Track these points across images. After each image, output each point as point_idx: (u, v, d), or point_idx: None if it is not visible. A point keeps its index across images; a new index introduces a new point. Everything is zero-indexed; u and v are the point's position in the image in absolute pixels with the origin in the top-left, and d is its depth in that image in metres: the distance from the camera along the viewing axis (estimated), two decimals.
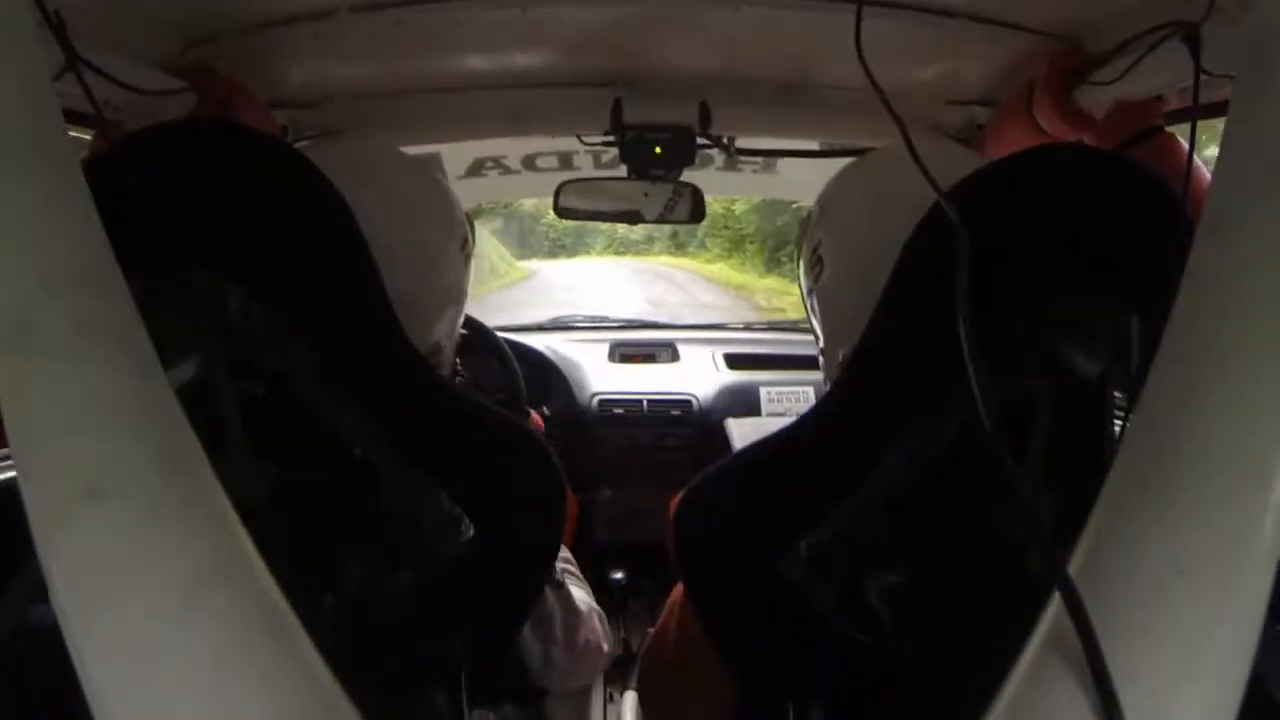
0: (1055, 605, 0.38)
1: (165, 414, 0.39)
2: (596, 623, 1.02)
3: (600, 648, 1.02)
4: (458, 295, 0.86)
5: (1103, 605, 0.36)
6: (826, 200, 0.83)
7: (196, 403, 0.58)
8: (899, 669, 0.62)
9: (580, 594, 1.02)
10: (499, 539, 0.69)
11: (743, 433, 1.92)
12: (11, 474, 0.37)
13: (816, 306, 0.83)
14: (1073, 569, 0.38)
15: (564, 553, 1.11)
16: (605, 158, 1.71)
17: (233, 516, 0.39)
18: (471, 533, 0.67)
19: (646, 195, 1.46)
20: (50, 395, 0.37)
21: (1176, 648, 0.35)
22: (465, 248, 0.86)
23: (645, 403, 2.05)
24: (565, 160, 1.81)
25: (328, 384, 0.64)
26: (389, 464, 0.65)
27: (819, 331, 0.84)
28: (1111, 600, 0.36)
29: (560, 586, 0.94)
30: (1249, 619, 0.36)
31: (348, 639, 0.60)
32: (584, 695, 1.66)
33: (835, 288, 0.78)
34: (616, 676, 1.67)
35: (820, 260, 0.80)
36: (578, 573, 1.16)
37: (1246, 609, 0.36)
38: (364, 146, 0.84)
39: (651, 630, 1.45)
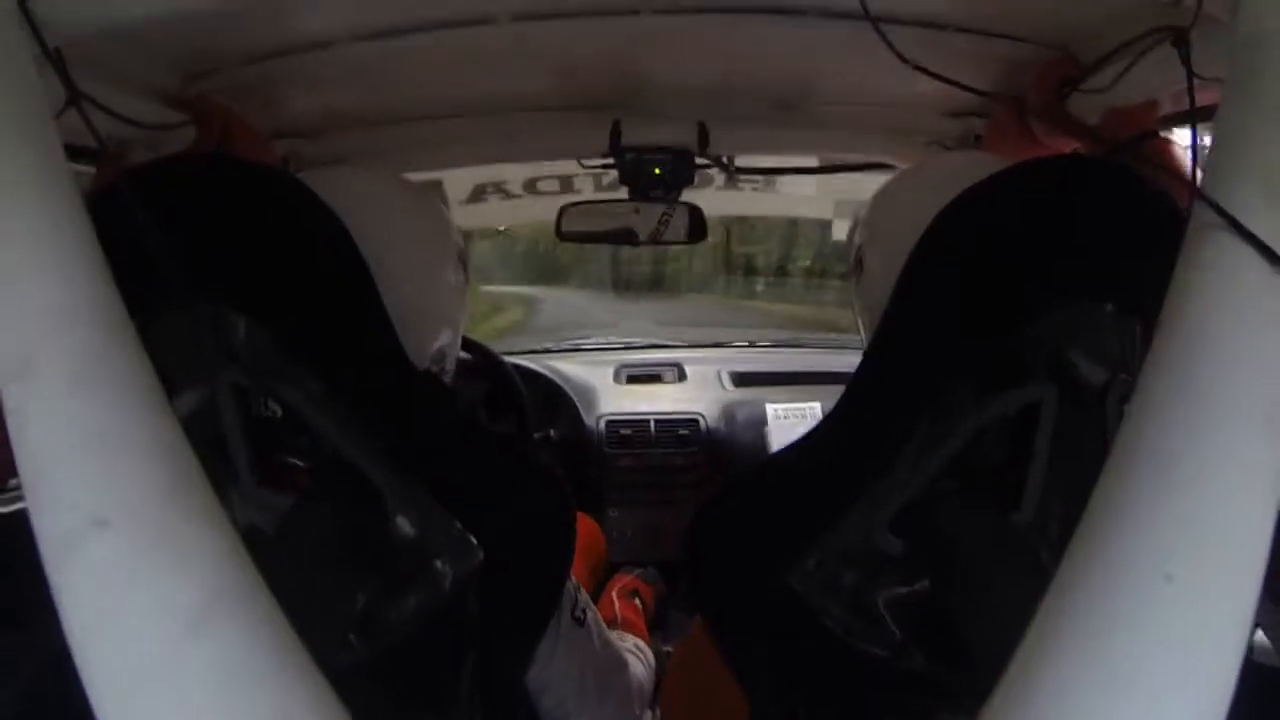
0: (1052, 600, 0.38)
1: (169, 444, 0.40)
2: (629, 678, 1.00)
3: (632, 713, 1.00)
4: (453, 317, 0.86)
5: (1091, 611, 0.36)
6: (868, 206, 0.86)
7: (202, 432, 0.59)
8: (911, 680, 0.61)
9: (619, 642, 0.98)
10: (507, 564, 0.69)
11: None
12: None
13: (860, 305, 0.85)
14: (1061, 574, 0.38)
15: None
16: (606, 180, 1.73)
17: (237, 544, 0.39)
18: (480, 556, 0.67)
19: (646, 216, 1.47)
20: (56, 429, 0.38)
21: (1165, 654, 0.35)
22: (460, 269, 0.86)
23: (652, 423, 2.05)
24: (566, 184, 1.82)
25: (333, 410, 0.64)
26: (396, 488, 0.65)
27: (864, 332, 0.86)
28: (1100, 606, 0.36)
29: (582, 624, 0.91)
30: (1237, 625, 0.35)
31: (358, 665, 0.60)
32: None
33: (874, 285, 0.80)
34: None
35: (861, 261, 0.83)
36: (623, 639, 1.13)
37: (1235, 615, 0.36)
38: (357, 172, 0.85)
39: (665, 648, 1.45)
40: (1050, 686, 0.36)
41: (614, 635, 1.19)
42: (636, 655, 1.15)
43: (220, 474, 0.57)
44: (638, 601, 1.37)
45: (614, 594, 1.48)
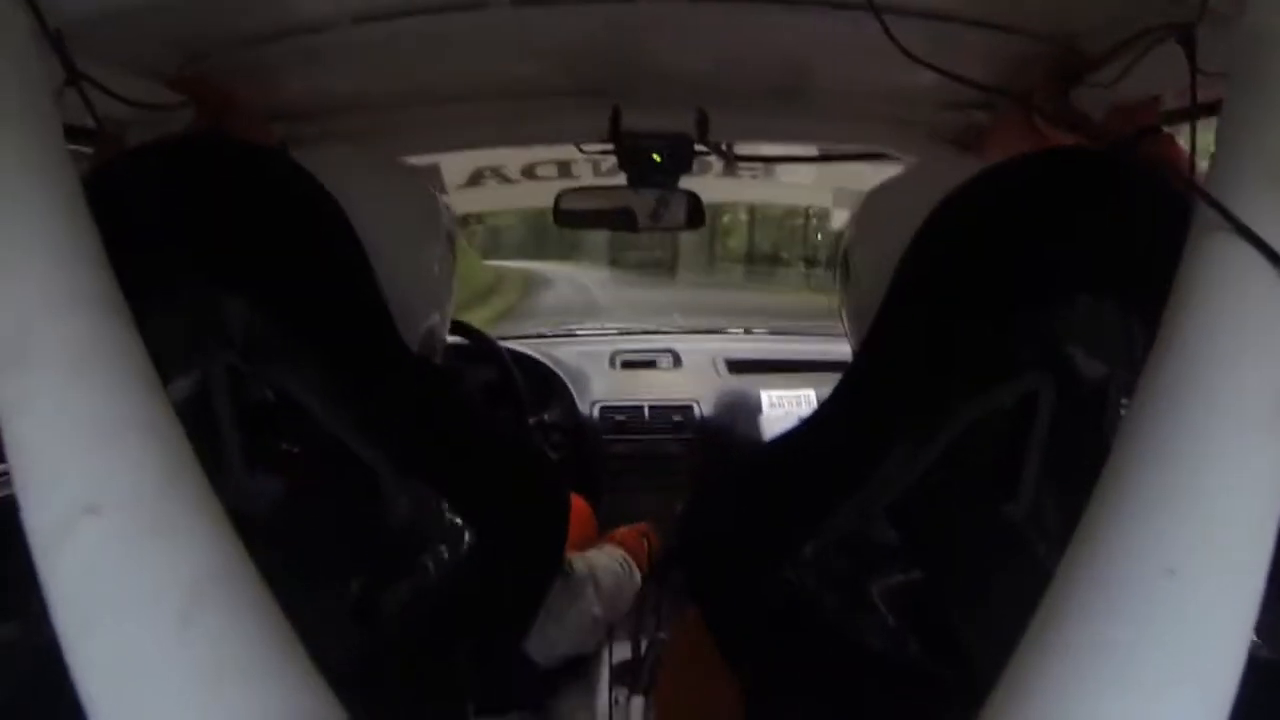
0: (1053, 596, 0.38)
1: (163, 430, 0.39)
2: (590, 592, 1.02)
3: (594, 619, 1.02)
4: (442, 299, 0.86)
5: (1092, 605, 0.36)
6: (859, 210, 0.87)
7: (197, 417, 0.58)
8: (907, 671, 0.62)
9: (585, 565, 1.01)
10: (501, 549, 0.69)
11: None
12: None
13: (846, 302, 0.87)
14: (1063, 569, 0.38)
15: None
16: (604, 166, 1.72)
17: (229, 531, 0.39)
18: (473, 542, 0.67)
19: (646, 202, 1.47)
20: (49, 413, 0.38)
21: (1167, 649, 0.35)
22: (449, 251, 0.86)
23: (647, 409, 2.06)
24: (564, 169, 1.81)
25: (328, 393, 0.64)
26: (390, 474, 0.65)
27: (849, 328, 0.88)
28: (1101, 600, 0.36)
29: (570, 597, 0.94)
30: (1240, 619, 0.36)
31: (351, 652, 0.60)
32: (589, 699, 1.65)
33: (861, 282, 0.81)
34: (624, 680, 1.67)
35: (848, 264, 0.84)
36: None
37: (1238, 609, 0.36)
38: (349, 152, 0.85)
39: (661, 635, 1.46)
40: (1053, 682, 0.36)
41: (608, 547, 1.21)
42: (621, 567, 1.17)
43: (214, 459, 0.57)
44: (645, 541, 1.40)
45: (625, 528, 1.51)
